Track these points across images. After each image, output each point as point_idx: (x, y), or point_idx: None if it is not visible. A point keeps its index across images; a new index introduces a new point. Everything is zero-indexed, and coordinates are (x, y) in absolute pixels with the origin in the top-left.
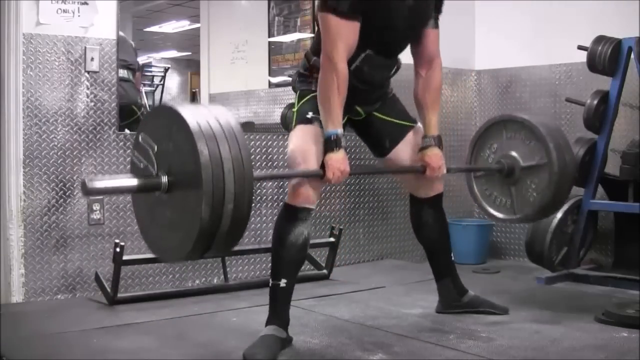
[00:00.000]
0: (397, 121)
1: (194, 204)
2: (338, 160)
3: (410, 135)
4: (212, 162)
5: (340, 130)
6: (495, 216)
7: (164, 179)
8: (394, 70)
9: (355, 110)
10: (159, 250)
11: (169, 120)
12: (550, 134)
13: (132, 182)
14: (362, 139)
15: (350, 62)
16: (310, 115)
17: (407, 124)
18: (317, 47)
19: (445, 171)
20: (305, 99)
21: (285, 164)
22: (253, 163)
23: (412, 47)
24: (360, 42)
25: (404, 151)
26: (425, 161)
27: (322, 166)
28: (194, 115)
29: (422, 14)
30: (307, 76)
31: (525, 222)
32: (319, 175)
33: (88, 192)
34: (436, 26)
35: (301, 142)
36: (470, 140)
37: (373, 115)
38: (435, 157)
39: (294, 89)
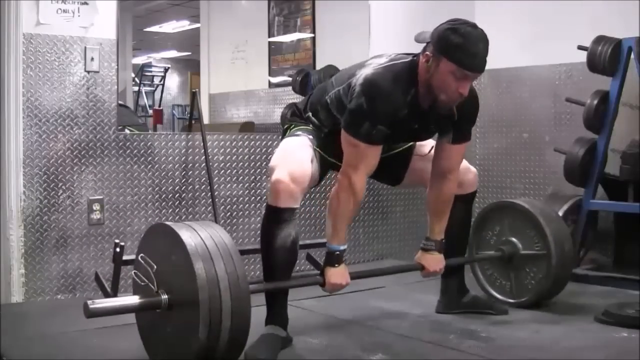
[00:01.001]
0: (400, 149)
1: (192, 322)
2: (339, 276)
3: (414, 152)
4: (208, 282)
5: (343, 247)
6: (495, 297)
7: (164, 297)
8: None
9: None
10: None
11: (166, 239)
12: (549, 225)
13: (134, 301)
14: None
15: None
16: (299, 133)
17: (409, 144)
18: (307, 105)
19: (442, 269)
20: (297, 127)
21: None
22: (253, 163)
23: (433, 156)
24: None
25: (415, 171)
26: (423, 264)
27: (322, 273)
28: (191, 236)
29: (434, 125)
30: (301, 117)
31: (524, 306)
32: (320, 284)
33: (91, 314)
34: (452, 141)
35: (288, 147)
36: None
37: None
38: (434, 261)
39: (294, 89)
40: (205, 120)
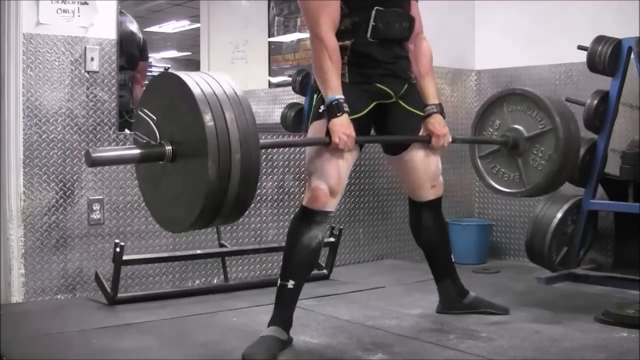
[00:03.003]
0: (418, 112)
1: (200, 169)
2: (342, 125)
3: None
4: (217, 128)
5: (339, 95)
6: (505, 192)
7: (168, 147)
8: (408, 23)
9: (383, 92)
10: (166, 222)
11: (170, 89)
12: (552, 103)
13: (135, 151)
14: (381, 134)
15: (364, 26)
16: (321, 109)
17: (420, 112)
18: None
19: (450, 140)
20: (318, 94)
21: (286, 164)
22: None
23: None
24: (365, 2)
25: (408, 161)
26: (430, 129)
27: (327, 133)
28: (197, 83)
29: None
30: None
31: (536, 193)
32: (326, 143)
33: (92, 162)
34: None
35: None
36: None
37: (398, 105)
38: (439, 124)
39: (294, 89)
40: None
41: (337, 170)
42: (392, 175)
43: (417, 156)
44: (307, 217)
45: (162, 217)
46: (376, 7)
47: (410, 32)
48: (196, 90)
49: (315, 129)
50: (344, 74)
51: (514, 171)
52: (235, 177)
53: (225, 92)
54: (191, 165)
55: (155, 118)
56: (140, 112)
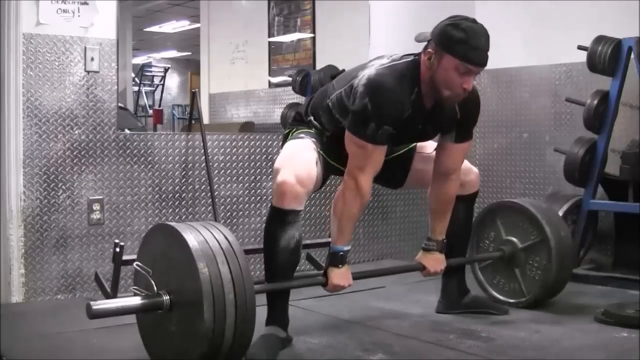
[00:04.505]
0: (401, 152)
1: (195, 323)
2: (342, 277)
3: (415, 153)
4: (212, 283)
5: (348, 248)
6: (508, 302)
7: (166, 298)
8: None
9: None
10: None
11: (168, 239)
12: (541, 212)
13: (135, 301)
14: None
15: None
16: (302, 135)
17: (411, 146)
18: (308, 109)
19: (443, 268)
20: (300, 130)
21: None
22: (253, 163)
23: (435, 155)
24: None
25: (417, 172)
26: (424, 264)
27: (325, 273)
28: (194, 236)
29: (437, 124)
30: (302, 121)
31: (537, 302)
32: (322, 284)
33: (93, 315)
34: (454, 140)
35: (291, 150)
36: None
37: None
38: (435, 262)
39: (294, 89)
40: (205, 120)
41: (306, 161)
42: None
43: (419, 172)
44: (278, 217)
45: None
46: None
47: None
48: (192, 243)
49: (293, 143)
50: None
51: (514, 282)
52: (231, 321)
53: (220, 245)
54: (187, 318)
55: (150, 271)
56: (137, 266)
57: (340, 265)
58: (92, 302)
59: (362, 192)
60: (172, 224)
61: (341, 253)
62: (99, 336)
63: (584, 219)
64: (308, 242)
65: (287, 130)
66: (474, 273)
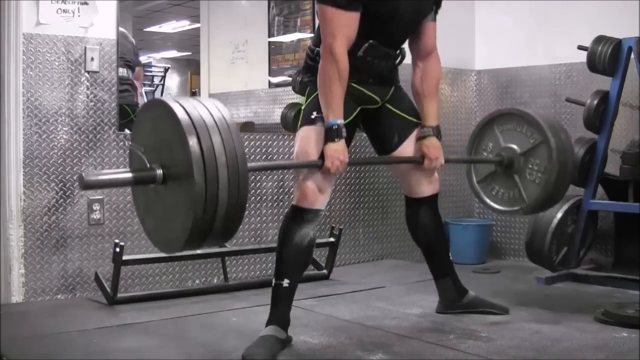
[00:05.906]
0: (406, 116)
1: (188, 194)
2: (338, 150)
3: (415, 133)
4: (203, 153)
5: (340, 121)
6: (508, 211)
7: (159, 171)
8: (398, 60)
9: (368, 96)
10: (160, 243)
11: (160, 114)
12: (541, 116)
13: (128, 174)
14: (369, 135)
15: (354, 52)
16: (314, 115)
17: (415, 120)
18: (318, 40)
19: (443, 162)
20: (311, 97)
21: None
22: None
23: (410, 40)
24: (363, 32)
25: (409, 148)
26: (424, 151)
27: (322, 156)
28: (184, 108)
29: (426, 6)
30: (313, 67)
31: (539, 207)
32: (317, 166)
33: (85, 185)
34: (434, 19)
35: (304, 145)
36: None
37: (385, 108)
38: (433, 147)
39: (294, 89)
40: None
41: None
42: (392, 175)
43: (410, 151)
44: (298, 215)
45: (158, 239)
46: (371, 41)
47: (395, 67)
48: (182, 117)
49: (306, 134)
50: None
51: (513, 189)
52: (224, 196)
53: (212, 116)
54: (180, 190)
55: (142, 148)
56: (131, 147)
57: (336, 139)
58: (85, 173)
59: (336, 58)
60: (165, 99)
61: (335, 126)
62: (99, 336)
63: (584, 219)
64: None
65: (305, 95)
66: (471, 187)
